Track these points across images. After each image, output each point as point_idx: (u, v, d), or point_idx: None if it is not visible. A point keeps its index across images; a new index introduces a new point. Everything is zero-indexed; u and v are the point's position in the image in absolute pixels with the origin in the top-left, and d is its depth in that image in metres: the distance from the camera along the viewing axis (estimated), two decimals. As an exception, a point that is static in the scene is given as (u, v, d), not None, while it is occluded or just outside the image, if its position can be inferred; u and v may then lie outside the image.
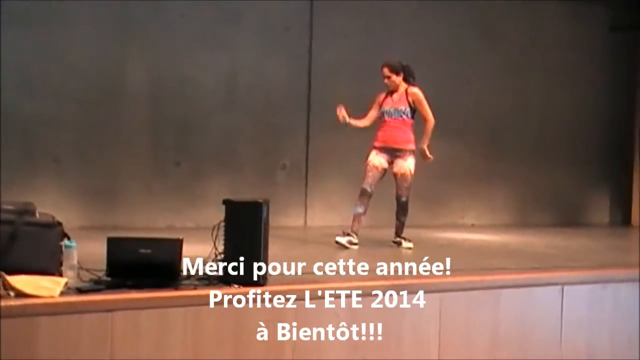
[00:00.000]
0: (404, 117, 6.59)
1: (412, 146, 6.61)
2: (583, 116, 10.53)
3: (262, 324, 4.06)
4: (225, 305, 3.98)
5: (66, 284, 3.77)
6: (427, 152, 6.62)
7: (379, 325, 4.39)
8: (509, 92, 10.01)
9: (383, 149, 6.60)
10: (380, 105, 6.65)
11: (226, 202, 4.23)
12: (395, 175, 6.62)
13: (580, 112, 10.50)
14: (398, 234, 6.69)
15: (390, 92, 6.66)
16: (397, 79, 6.59)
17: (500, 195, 9.97)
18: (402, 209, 6.64)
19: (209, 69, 8.23)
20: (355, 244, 6.44)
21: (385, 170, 6.62)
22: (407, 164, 6.58)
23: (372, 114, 6.70)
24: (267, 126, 8.55)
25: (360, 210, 6.51)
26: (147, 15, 7.90)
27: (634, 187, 10.53)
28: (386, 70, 6.59)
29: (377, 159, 6.57)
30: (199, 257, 4.36)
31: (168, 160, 8.09)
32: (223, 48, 8.29)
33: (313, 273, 4.69)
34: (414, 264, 4.77)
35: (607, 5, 10.56)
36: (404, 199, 6.61)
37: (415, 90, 6.62)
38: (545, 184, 10.22)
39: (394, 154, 6.60)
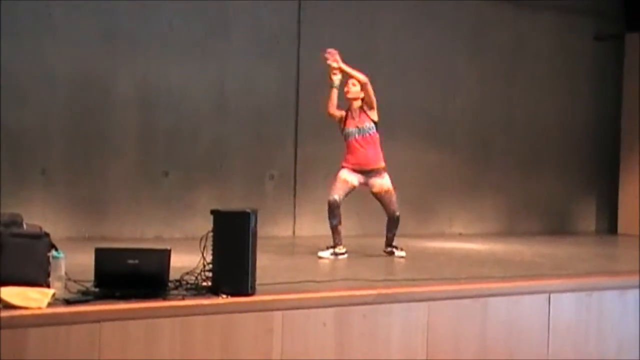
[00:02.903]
0: (370, 133, 6.51)
1: (383, 163, 6.57)
2: (569, 125, 10.60)
3: (250, 333, 4.07)
4: (213, 315, 3.98)
5: (54, 295, 3.76)
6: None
7: (367, 334, 4.41)
8: (497, 102, 10.07)
9: (355, 170, 6.53)
10: (342, 128, 6.55)
11: (214, 213, 4.24)
12: (378, 194, 6.57)
13: (566, 121, 10.57)
14: (390, 244, 6.69)
15: (347, 112, 6.54)
16: (359, 93, 6.49)
17: (488, 204, 10.01)
18: (395, 223, 6.61)
19: (198, 79, 8.24)
20: (342, 253, 6.46)
21: (354, 187, 6.56)
22: (385, 181, 6.54)
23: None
24: (255, 136, 8.56)
25: (334, 222, 6.47)
26: (135, 25, 7.91)
27: (620, 195, 10.58)
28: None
29: (349, 176, 6.51)
30: (187, 267, 4.38)
31: (156, 170, 8.08)
32: (211, 58, 8.30)
33: (301, 282, 4.72)
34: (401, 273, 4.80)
35: (592, 15, 10.64)
36: (397, 213, 6.57)
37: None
38: (532, 193, 10.27)
39: (368, 175, 6.55)
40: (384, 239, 6.72)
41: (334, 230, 6.48)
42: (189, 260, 4.40)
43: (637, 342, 5.38)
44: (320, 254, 6.42)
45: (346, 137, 6.54)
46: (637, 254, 7.00)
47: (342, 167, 6.56)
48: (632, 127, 10.42)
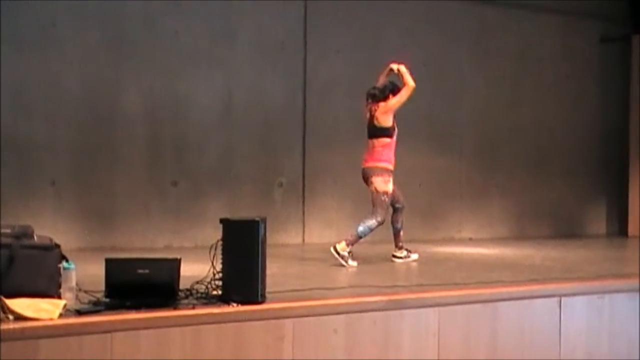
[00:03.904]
0: None
1: None
2: (578, 127, 10.58)
3: (261, 341, 4.07)
4: (224, 324, 3.99)
5: (65, 306, 3.78)
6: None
7: (378, 340, 4.41)
8: (504, 105, 10.06)
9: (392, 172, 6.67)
10: (394, 126, 6.68)
11: (223, 221, 4.25)
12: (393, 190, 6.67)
13: (574, 124, 10.55)
14: (402, 245, 6.72)
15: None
16: None
17: (497, 208, 9.99)
18: (402, 213, 6.72)
19: (204, 87, 8.26)
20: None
21: None
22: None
23: None
24: (263, 144, 8.57)
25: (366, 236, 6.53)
26: (141, 34, 7.94)
27: (630, 198, 10.54)
28: None
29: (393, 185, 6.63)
30: (197, 276, 4.39)
31: (165, 180, 8.10)
32: (218, 66, 8.32)
33: (311, 290, 4.72)
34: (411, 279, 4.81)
35: (598, 18, 10.63)
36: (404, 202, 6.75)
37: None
38: (541, 196, 10.24)
39: None
40: (391, 247, 6.73)
41: (357, 241, 6.50)
42: (199, 269, 4.41)
43: (649, 344, 5.36)
44: (352, 262, 6.37)
45: (393, 135, 6.65)
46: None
47: (389, 170, 6.58)
48: (640, 128, 10.40)
